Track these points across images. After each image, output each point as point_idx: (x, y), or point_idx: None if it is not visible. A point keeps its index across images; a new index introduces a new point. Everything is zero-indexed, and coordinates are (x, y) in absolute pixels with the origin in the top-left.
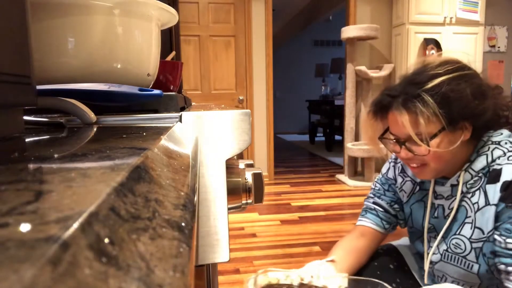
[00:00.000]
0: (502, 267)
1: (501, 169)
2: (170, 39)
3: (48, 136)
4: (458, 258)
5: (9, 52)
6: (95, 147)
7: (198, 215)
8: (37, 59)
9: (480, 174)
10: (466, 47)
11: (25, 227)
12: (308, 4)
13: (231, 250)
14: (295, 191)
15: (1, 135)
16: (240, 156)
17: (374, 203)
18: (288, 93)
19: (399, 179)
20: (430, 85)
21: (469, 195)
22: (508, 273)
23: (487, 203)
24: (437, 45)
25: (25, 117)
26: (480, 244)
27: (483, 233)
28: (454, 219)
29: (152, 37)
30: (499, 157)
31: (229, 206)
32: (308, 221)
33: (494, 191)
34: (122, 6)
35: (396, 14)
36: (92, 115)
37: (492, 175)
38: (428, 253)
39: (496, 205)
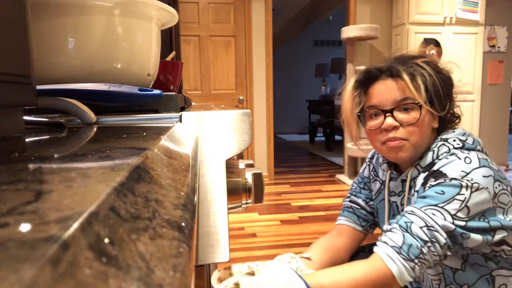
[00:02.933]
0: (385, 226)
1: (437, 162)
2: (170, 39)
3: (48, 136)
4: None
5: (9, 52)
6: (95, 147)
7: (198, 215)
8: (37, 59)
9: (425, 173)
10: (466, 47)
11: (25, 227)
12: (308, 4)
13: (231, 250)
14: (295, 191)
15: (1, 135)
16: (240, 156)
17: (350, 201)
18: (288, 93)
19: (371, 177)
20: (422, 59)
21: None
22: (385, 231)
23: (415, 190)
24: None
25: (25, 117)
26: None
27: None
28: None
29: (152, 37)
30: (443, 153)
31: (229, 206)
32: (308, 221)
33: (421, 179)
34: (122, 6)
35: (396, 14)
36: (92, 115)
37: (428, 168)
38: None
39: (418, 191)
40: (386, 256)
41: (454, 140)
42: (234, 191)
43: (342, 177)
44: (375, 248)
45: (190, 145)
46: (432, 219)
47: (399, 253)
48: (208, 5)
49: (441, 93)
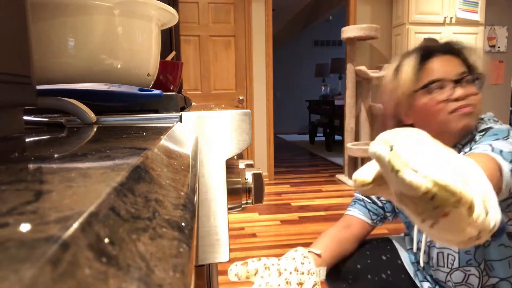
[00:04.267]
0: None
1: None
2: (170, 39)
3: (48, 136)
4: None
5: (9, 52)
6: (95, 147)
7: (198, 215)
8: (37, 59)
9: (466, 147)
10: None
11: (25, 227)
12: (308, 4)
13: (231, 250)
14: (295, 191)
15: (1, 135)
16: (240, 156)
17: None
18: (288, 93)
19: None
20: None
21: None
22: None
23: None
24: None
25: (25, 117)
26: None
27: None
28: None
29: (152, 37)
30: (482, 130)
31: (229, 206)
32: (308, 221)
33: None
34: (122, 6)
35: (396, 14)
36: (92, 115)
37: (469, 141)
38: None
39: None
40: (492, 154)
41: (489, 119)
42: (234, 191)
43: (342, 177)
44: (472, 153)
45: (190, 145)
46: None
47: (500, 154)
48: (208, 5)
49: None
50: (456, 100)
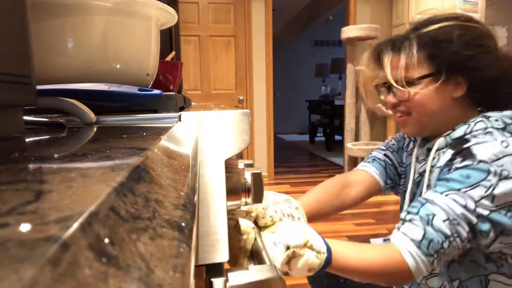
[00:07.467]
0: (402, 214)
1: (470, 139)
2: (170, 39)
3: (48, 136)
4: None
5: (9, 52)
6: (95, 147)
7: (198, 215)
8: (37, 59)
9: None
10: None
11: (25, 227)
12: (308, 4)
13: None
14: (295, 191)
15: (1, 135)
16: (240, 156)
17: (385, 155)
18: (288, 93)
19: (406, 139)
20: (425, 30)
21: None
22: (403, 221)
23: (437, 164)
24: None
25: (25, 117)
26: None
27: None
28: (420, 183)
29: (152, 37)
30: (478, 130)
31: (229, 206)
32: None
33: (448, 154)
34: (122, 6)
35: (396, 14)
36: (92, 115)
37: (457, 141)
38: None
39: (441, 168)
40: (405, 249)
41: (496, 120)
42: (234, 191)
43: None
44: (392, 238)
45: (190, 145)
46: (454, 211)
47: (418, 247)
48: (208, 5)
49: (451, 59)
50: (390, 105)
